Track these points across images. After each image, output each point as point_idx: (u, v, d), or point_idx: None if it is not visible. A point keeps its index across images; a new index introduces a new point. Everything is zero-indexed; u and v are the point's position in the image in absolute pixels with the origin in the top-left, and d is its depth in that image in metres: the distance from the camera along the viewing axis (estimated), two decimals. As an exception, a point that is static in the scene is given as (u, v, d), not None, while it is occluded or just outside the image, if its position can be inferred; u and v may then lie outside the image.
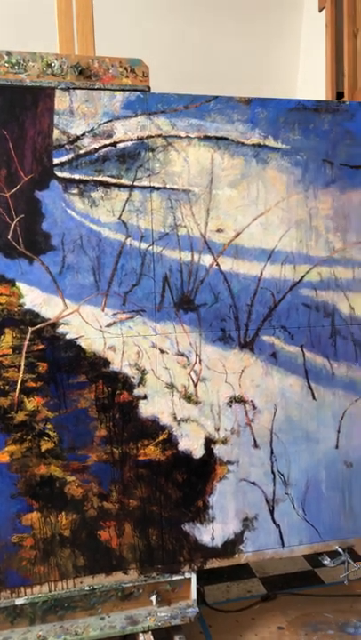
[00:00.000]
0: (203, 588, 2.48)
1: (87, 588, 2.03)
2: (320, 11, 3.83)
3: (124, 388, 2.01)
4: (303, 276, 2.15)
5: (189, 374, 2.07)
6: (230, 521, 2.14)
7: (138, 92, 1.95)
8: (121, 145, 1.95)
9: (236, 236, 2.07)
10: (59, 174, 1.90)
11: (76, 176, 1.92)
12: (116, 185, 1.95)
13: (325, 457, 2.23)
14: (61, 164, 1.90)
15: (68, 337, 1.95)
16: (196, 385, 2.08)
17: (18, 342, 1.90)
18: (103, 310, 1.98)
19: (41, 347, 1.92)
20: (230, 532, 2.15)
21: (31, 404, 1.93)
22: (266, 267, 2.11)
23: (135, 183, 1.97)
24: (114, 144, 1.94)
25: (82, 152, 1.92)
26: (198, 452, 2.10)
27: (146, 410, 2.03)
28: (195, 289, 2.05)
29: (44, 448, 1.95)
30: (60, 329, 1.94)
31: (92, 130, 1.92)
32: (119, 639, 2.10)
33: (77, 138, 1.91)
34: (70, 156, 1.91)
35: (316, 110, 2.11)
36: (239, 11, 3.98)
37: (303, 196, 2.12)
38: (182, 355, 2.06)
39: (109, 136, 1.94)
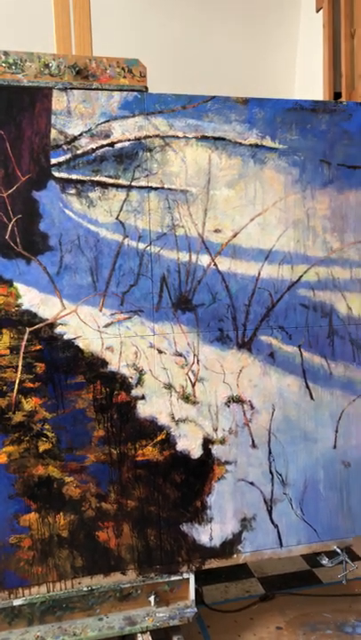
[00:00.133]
0: (201, 588, 2.49)
1: (85, 589, 2.02)
2: (317, 11, 3.84)
3: (122, 389, 2.01)
4: (301, 276, 2.15)
5: (187, 374, 2.07)
6: (228, 521, 2.14)
7: (135, 93, 1.95)
8: (118, 145, 1.95)
9: (234, 236, 2.07)
10: (56, 174, 1.90)
11: (74, 176, 1.92)
12: (113, 185, 1.95)
13: (323, 457, 2.23)
14: (59, 165, 1.90)
15: (65, 337, 1.94)
16: (193, 385, 2.08)
17: (15, 343, 1.90)
18: (101, 310, 1.97)
19: (38, 347, 1.92)
20: (228, 532, 2.15)
21: (29, 404, 1.92)
22: (264, 267, 2.11)
23: (133, 183, 1.97)
24: (111, 144, 1.94)
25: (79, 152, 1.92)
26: (196, 452, 2.10)
27: (144, 410, 2.03)
28: (192, 289, 2.05)
29: (41, 449, 1.95)
30: (58, 329, 1.94)
31: (89, 130, 1.92)
32: (117, 640, 2.10)
33: (75, 138, 1.91)
34: (68, 156, 1.91)
35: (314, 110, 2.11)
36: (237, 11, 3.99)
37: (301, 197, 2.12)
38: (180, 355, 2.06)
39: (107, 136, 1.94)
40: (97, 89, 1.94)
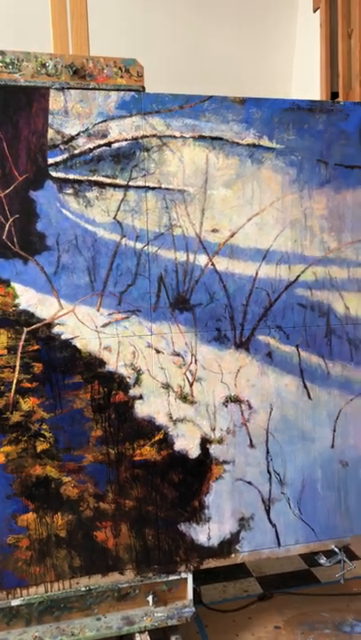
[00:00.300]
0: (199, 587, 2.49)
1: (83, 589, 2.02)
2: (315, 11, 3.84)
3: (120, 389, 2.01)
4: (298, 276, 2.16)
5: (185, 374, 2.07)
6: (226, 521, 2.14)
7: (132, 92, 1.95)
8: (116, 145, 1.94)
9: (232, 235, 2.07)
10: (53, 174, 1.90)
11: (71, 176, 1.92)
12: (110, 185, 1.95)
13: (321, 456, 2.23)
14: (56, 164, 1.90)
15: (63, 337, 1.94)
16: (191, 385, 2.08)
17: (13, 343, 1.90)
18: (98, 310, 1.97)
19: (36, 347, 1.92)
20: (226, 531, 2.15)
21: (26, 404, 1.92)
22: (261, 266, 2.11)
23: (130, 183, 1.97)
24: (108, 144, 1.94)
25: (76, 152, 1.92)
26: (194, 451, 2.10)
27: (142, 410, 2.03)
28: (190, 289, 2.05)
29: (39, 449, 1.95)
30: (56, 329, 1.94)
31: (86, 130, 1.92)
32: (115, 639, 2.10)
33: (72, 138, 1.91)
34: (65, 155, 1.91)
35: (311, 110, 2.11)
36: (234, 11, 3.99)
37: (298, 196, 2.13)
38: (178, 355, 2.06)
39: (104, 136, 1.93)
40: (94, 89, 1.94)
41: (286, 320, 2.15)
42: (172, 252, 2.02)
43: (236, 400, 2.12)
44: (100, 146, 1.93)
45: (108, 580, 2.05)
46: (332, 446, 2.24)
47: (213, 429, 2.11)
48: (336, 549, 2.28)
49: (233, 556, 2.17)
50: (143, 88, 1.99)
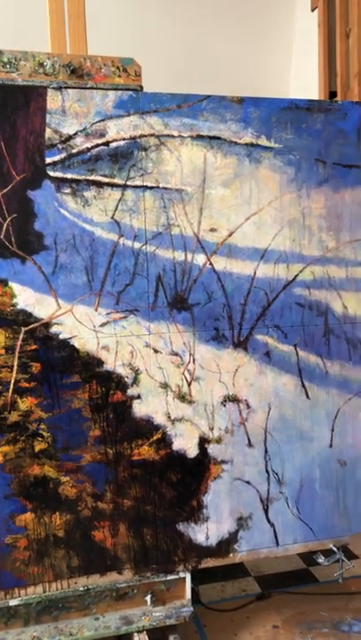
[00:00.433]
0: (197, 587, 2.48)
1: (81, 589, 2.02)
2: (313, 10, 3.84)
3: (118, 388, 2.00)
4: (296, 276, 2.15)
5: (183, 374, 2.07)
6: (225, 520, 2.14)
7: (130, 92, 1.95)
8: (113, 144, 1.94)
9: (230, 235, 2.07)
10: (51, 174, 1.90)
11: (69, 175, 1.91)
12: (108, 184, 1.95)
13: (319, 456, 2.23)
14: (54, 164, 1.90)
15: (61, 337, 1.94)
16: (189, 384, 2.08)
17: (11, 342, 1.89)
18: (96, 310, 1.97)
19: (34, 347, 1.91)
20: (225, 531, 2.15)
21: (24, 404, 1.92)
22: (259, 266, 2.11)
23: (128, 182, 1.96)
24: (106, 143, 1.94)
25: (74, 151, 1.91)
26: (192, 451, 2.10)
27: (140, 410, 2.03)
28: (188, 288, 2.05)
29: (37, 448, 1.94)
30: (53, 329, 1.93)
31: (84, 129, 1.91)
32: (114, 639, 2.09)
33: (70, 137, 1.91)
34: (63, 155, 1.90)
35: (309, 110, 2.11)
36: (232, 10, 3.98)
37: (296, 196, 2.13)
38: (176, 354, 2.05)
39: (102, 135, 1.93)
40: (92, 88, 1.93)
41: (284, 319, 2.15)
42: (170, 252, 2.02)
43: (234, 399, 2.12)
44: (97, 145, 1.93)
45: (107, 579, 2.05)
46: (331, 445, 2.24)
47: (212, 429, 2.11)
48: (334, 548, 2.28)
49: (231, 555, 2.17)
50: (141, 87, 1.99)
